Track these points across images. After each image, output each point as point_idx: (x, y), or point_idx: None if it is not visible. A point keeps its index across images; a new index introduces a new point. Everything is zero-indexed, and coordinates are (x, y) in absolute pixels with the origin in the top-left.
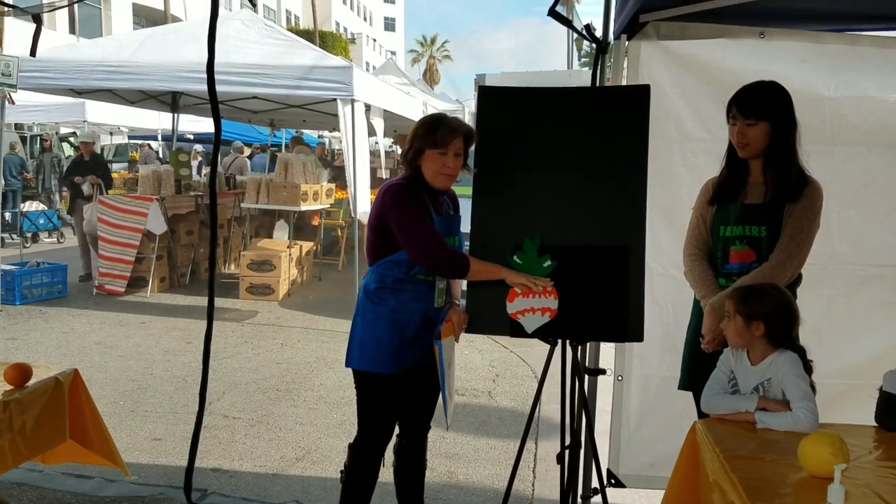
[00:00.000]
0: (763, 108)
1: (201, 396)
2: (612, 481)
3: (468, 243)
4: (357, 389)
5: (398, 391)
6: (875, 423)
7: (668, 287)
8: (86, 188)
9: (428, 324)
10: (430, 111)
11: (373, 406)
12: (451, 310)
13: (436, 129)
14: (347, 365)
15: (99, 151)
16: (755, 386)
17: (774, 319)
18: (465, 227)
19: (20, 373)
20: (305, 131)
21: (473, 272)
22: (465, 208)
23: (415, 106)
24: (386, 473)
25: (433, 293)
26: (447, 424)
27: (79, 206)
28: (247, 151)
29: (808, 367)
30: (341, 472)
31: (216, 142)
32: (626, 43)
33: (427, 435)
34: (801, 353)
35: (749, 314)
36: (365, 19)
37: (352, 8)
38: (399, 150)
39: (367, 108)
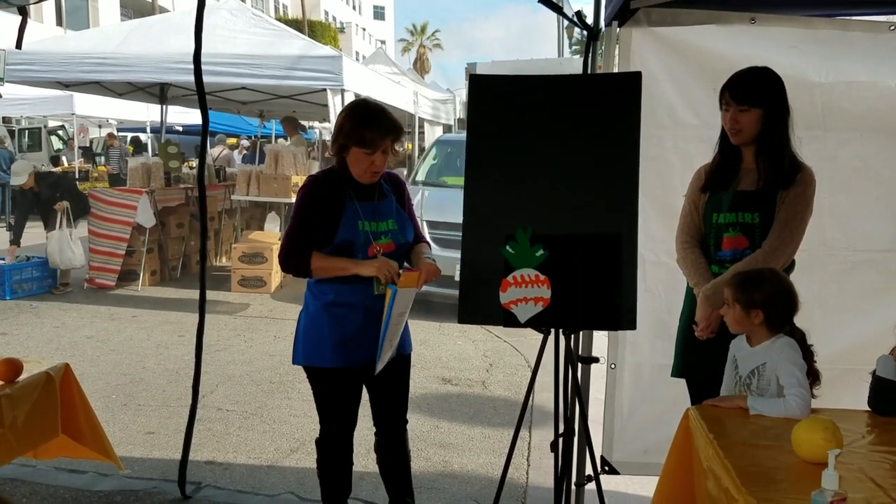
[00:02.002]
0: (756, 94)
1: (194, 389)
2: (606, 468)
3: (447, 231)
4: (311, 385)
5: (349, 386)
6: (868, 408)
7: (661, 275)
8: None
9: (373, 319)
10: (421, 101)
11: (326, 402)
12: (424, 264)
13: (363, 131)
14: (294, 362)
15: (88, 144)
16: (751, 370)
17: (773, 307)
18: (450, 216)
19: (11, 368)
20: None
21: (316, 269)
22: (457, 199)
23: (405, 95)
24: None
25: (373, 283)
26: (375, 370)
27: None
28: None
29: (808, 353)
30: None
31: (204, 133)
32: (618, 30)
33: (405, 429)
34: (801, 338)
35: (748, 302)
36: (354, 8)
37: None
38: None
39: (357, 98)
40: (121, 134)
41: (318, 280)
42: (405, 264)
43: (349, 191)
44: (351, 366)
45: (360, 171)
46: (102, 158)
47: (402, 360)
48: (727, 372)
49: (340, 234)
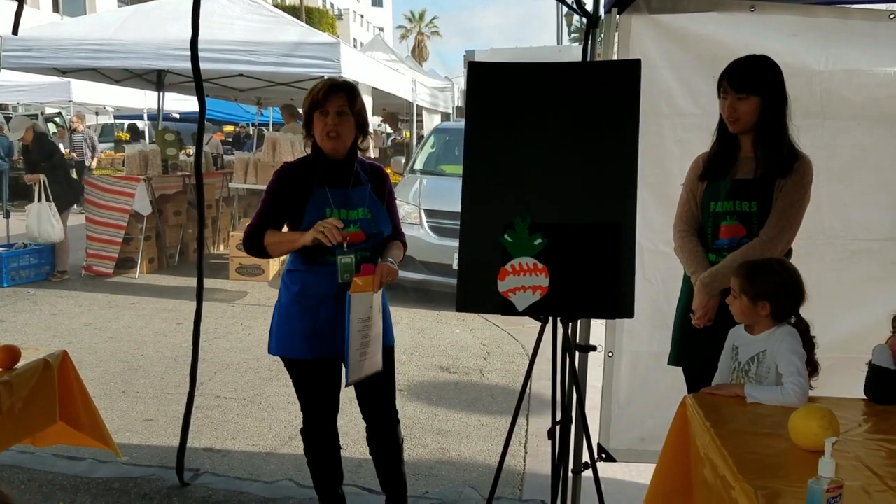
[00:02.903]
0: (754, 82)
1: (191, 377)
2: (603, 456)
3: (445, 220)
4: (289, 375)
5: (323, 377)
6: (864, 396)
7: (659, 264)
8: None
9: (343, 309)
10: (419, 88)
11: (303, 392)
12: (378, 265)
13: (313, 93)
14: (269, 352)
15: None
16: (751, 356)
17: (780, 298)
18: (448, 204)
19: (9, 355)
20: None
21: (268, 245)
22: (456, 187)
23: (403, 83)
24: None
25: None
26: (346, 382)
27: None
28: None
29: (809, 343)
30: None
31: (201, 121)
32: (617, 17)
33: (395, 421)
34: (805, 328)
35: (755, 294)
36: None
37: None
38: (388, 129)
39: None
40: (118, 121)
41: (289, 270)
42: (383, 260)
43: (321, 177)
44: (323, 357)
45: (321, 137)
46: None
47: (386, 351)
48: (723, 360)
49: (306, 221)
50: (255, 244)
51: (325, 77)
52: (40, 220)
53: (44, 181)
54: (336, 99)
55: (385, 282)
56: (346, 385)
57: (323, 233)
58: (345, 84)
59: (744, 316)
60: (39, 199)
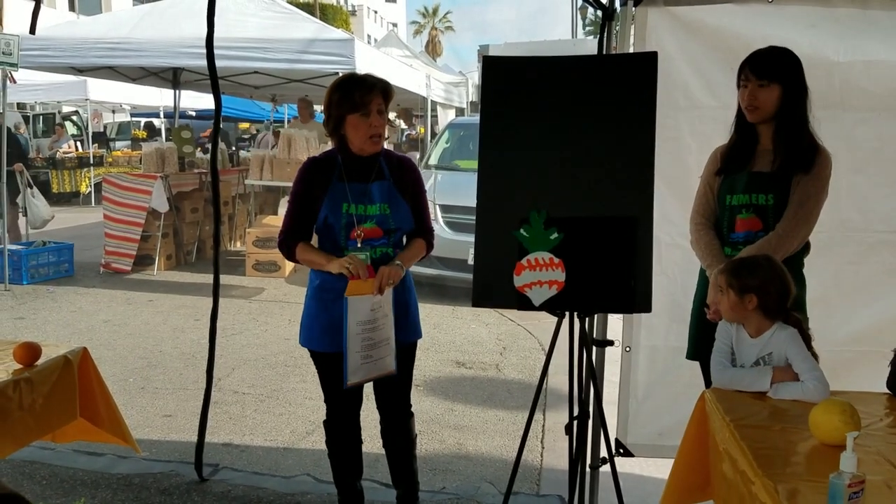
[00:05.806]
0: (776, 69)
1: (208, 373)
2: (621, 451)
3: (460, 215)
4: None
5: (341, 370)
6: (886, 390)
7: (676, 257)
8: None
9: None
10: (433, 84)
11: (325, 383)
12: (381, 267)
13: (352, 92)
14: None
15: (102, 129)
16: (756, 360)
17: (767, 292)
18: (463, 200)
19: (29, 352)
20: None
21: (300, 260)
22: (471, 183)
23: (417, 79)
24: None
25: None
26: (344, 384)
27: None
28: None
29: (805, 336)
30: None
31: (216, 118)
32: (633, 9)
33: (408, 415)
34: (798, 324)
35: (742, 287)
36: None
37: None
38: (402, 125)
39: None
40: (134, 119)
41: None
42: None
43: (342, 171)
44: (339, 351)
45: (362, 139)
46: None
47: (406, 347)
48: (721, 349)
49: (322, 216)
50: (288, 253)
51: (352, 73)
52: (30, 205)
53: (25, 172)
54: (376, 99)
55: (386, 285)
56: (345, 387)
57: (348, 269)
58: (380, 83)
59: (733, 312)
60: (31, 187)
